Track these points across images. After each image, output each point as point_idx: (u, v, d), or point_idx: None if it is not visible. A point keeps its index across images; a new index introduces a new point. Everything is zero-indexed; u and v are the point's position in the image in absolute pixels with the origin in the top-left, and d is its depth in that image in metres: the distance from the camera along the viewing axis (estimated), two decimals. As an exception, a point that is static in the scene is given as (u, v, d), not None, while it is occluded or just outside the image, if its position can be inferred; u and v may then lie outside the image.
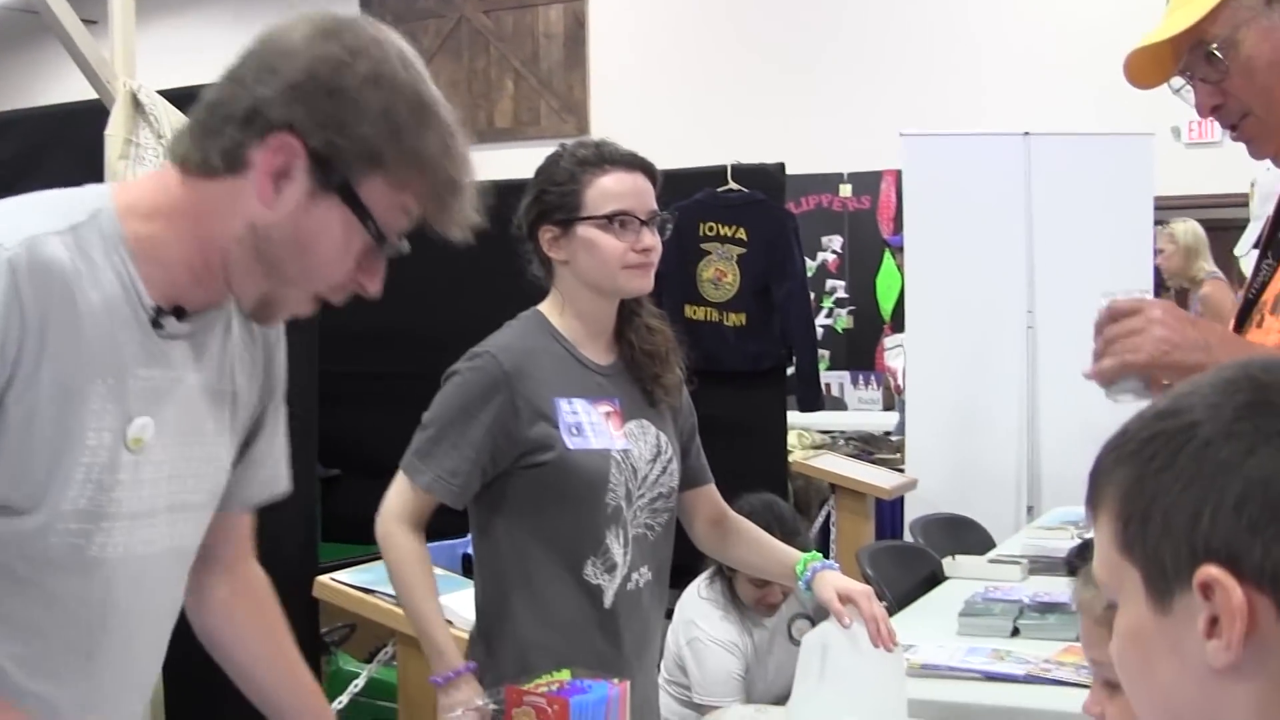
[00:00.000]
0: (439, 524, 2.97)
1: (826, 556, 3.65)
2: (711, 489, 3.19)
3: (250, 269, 1.78)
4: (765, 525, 4.06)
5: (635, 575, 2.92)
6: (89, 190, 1.82)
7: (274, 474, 2.16)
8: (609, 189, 2.84)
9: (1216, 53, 2.15)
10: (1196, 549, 1.09)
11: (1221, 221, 11.89)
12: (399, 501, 2.86)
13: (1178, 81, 2.25)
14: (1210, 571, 1.07)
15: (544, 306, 2.96)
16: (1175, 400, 1.15)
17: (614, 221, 2.83)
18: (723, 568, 4.21)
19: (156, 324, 1.79)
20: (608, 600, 2.88)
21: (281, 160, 1.73)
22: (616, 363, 2.97)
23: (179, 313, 1.82)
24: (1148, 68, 2.25)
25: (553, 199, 2.87)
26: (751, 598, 4.27)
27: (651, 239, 2.85)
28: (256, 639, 2.19)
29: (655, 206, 2.88)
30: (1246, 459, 1.08)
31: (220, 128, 1.76)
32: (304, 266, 1.77)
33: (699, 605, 4.33)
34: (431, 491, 2.83)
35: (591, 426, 2.86)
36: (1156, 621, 1.13)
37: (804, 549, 4.36)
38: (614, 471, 2.85)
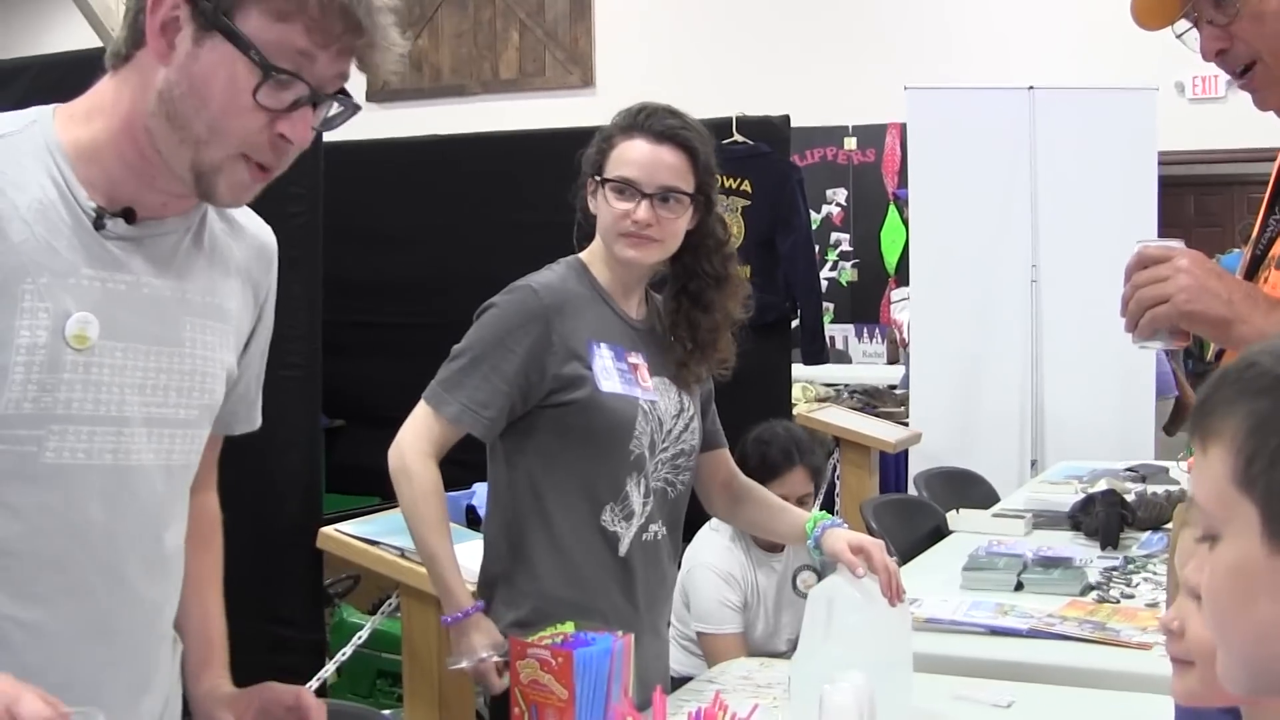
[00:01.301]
0: (443, 477, 2.95)
1: (830, 510, 3.65)
2: (725, 453, 3.21)
3: (169, 139, 1.76)
4: (784, 447, 4.09)
5: (653, 527, 2.93)
6: (34, 108, 1.83)
7: (249, 411, 2.15)
8: (625, 155, 2.86)
9: None
10: None
11: (1224, 177, 11.90)
12: (419, 433, 2.83)
13: (1182, 25, 2.19)
14: None
15: (584, 255, 2.98)
16: None
17: (618, 187, 2.84)
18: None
19: (99, 225, 1.78)
20: (623, 548, 2.89)
21: (165, 10, 1.73)
22: (647, 319, 2.98)
23: (130, 215, 1.81)
24: (1154, 7, 2.21)
25: (594, 154, 2.92)
26: None
27: (646, 213, 2.83)
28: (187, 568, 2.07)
29: (675, 184, 2.85)
30: None
31: (127, 17, 1.78)
32: (208, 118, 1.74)
33: (708, 535, 4.31)
34: (459, 423, 2.81)
35: (621, 373, 2.87)
36: (1269, 560, 1.11)
37: (818, 469, 4.39)
38: (640, 419, 2.86)
